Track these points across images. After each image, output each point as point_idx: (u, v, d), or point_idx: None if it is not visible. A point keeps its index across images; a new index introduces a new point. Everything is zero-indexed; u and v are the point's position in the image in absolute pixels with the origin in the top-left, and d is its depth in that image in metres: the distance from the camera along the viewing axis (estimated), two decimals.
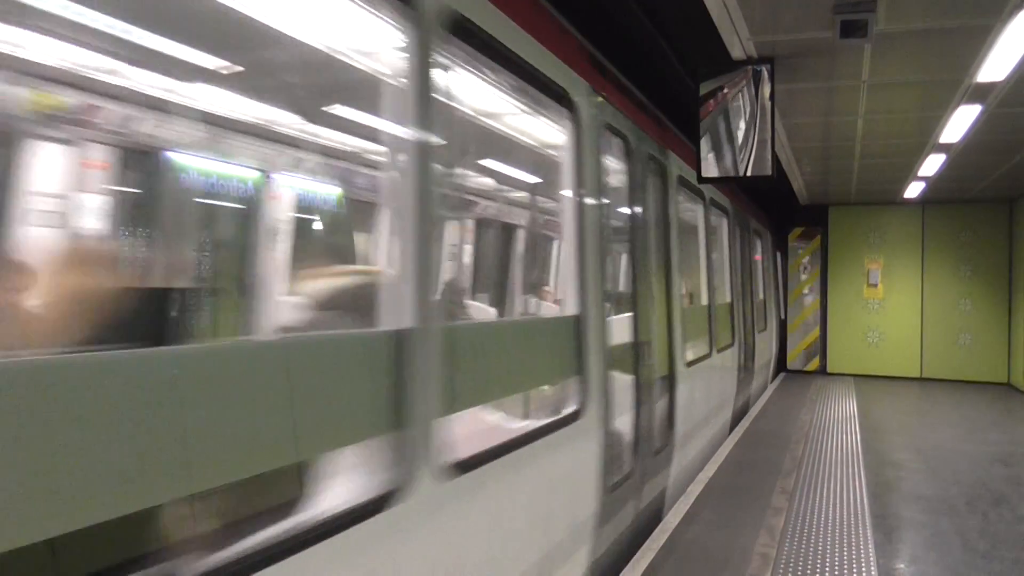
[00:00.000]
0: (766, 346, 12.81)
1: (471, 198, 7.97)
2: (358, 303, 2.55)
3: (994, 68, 5.86)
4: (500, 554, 3.00)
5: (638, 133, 5.26)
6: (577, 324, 3.90)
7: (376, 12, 2.56)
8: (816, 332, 14.78)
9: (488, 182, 7.96)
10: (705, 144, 6.10)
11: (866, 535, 5.15)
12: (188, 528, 2.13)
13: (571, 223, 4.01)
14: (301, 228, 5.79)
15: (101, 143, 4.08)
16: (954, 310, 13.75)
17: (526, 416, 3.99)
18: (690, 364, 6.44)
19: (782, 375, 14.49)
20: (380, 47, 2.96)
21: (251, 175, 5.45)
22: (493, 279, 8.95)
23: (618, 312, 4.81)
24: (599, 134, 4.38)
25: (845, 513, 5.65)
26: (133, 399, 1.52)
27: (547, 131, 4.75)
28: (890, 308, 14.20)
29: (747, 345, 10.32)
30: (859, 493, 6.20)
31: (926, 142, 8.72)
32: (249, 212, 5.42)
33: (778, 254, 15.34)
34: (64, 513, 1.38)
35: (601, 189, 4.33)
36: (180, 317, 3.32)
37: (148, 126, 4.24)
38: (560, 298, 4.79)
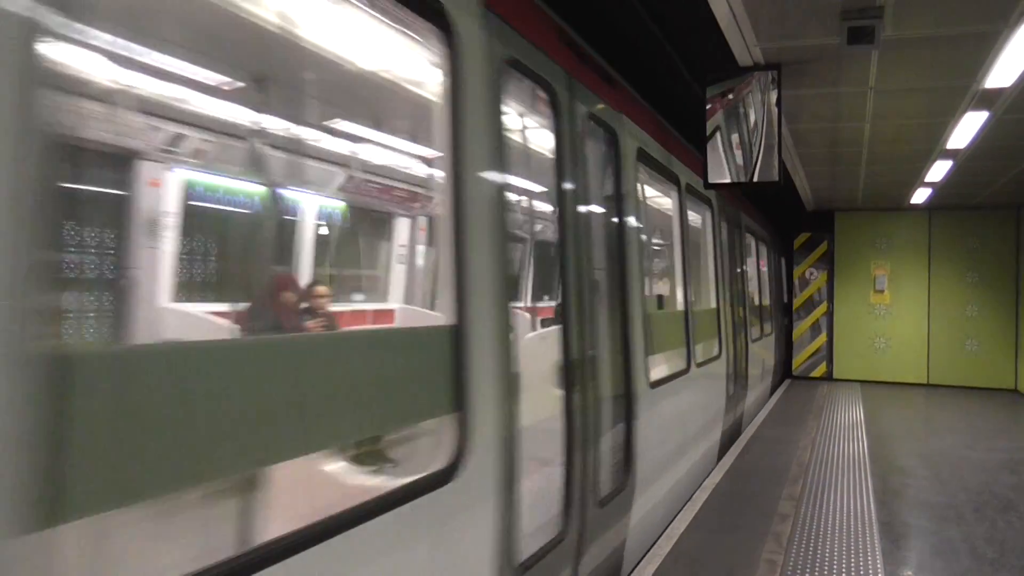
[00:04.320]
0: (766, 354, 11.85)
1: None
2: None
3: (1001, 74, 5.85)
4: None
5: (571, 83, 3.94)
6: (453, 339, 2.66)
7: None
8: (822, 338, 14.74)
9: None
10: (712, 149, 6.10)
11: (873, 542, 5.13)
12: None
13: (446, 198, 2.78)
14: None
15: None
16: (961, 316, 13.71)
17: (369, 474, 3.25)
18: (656, 384, 5.22)
19: (788, 381, 14.45)
20: None
21: None
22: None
23: (537, 322, 4.66)
24: (496, 71, 3.08)
25: (852, 520, 5.63)
26: None
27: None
28: (897, 314, 14.16)
29: (739, 355, 9.04)
30: (866, 500, 6.18)
31: (933, 148, 8.71)
32: None
33: (782, 259, 15.13)
34: None
35: (498, 150, 3.06)
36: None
37: None
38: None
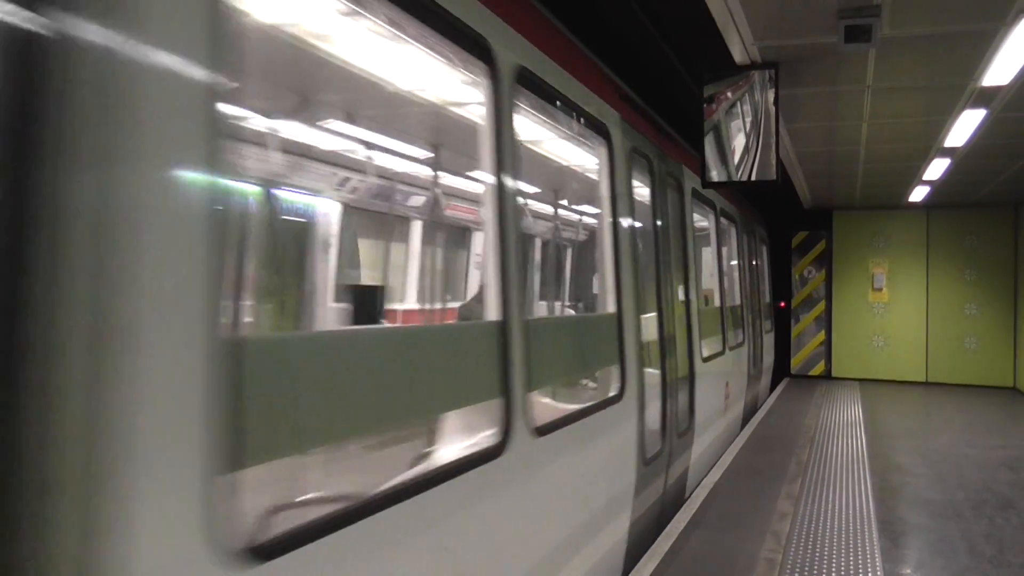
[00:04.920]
0: (735, 375, 8.87)
1: None
2: None
3: (999, 72, 5.86)
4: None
5: None
6: None
7: None
8: (821, 336, 14.75)
9: None
10: (709, 148, 6.11)
11: (872, 540, 5.14)
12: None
13: None
14: None
15: None
16: (959, 314, 13.72)
17: None
18: (377, 503, 2.22)
19: (786, 380, 14.45)
20: None
21: None
22: None
23: None
24: None
25: (851, 518, 5.63)
26: None
27: None
28: (895, 312, 14.17)
29: (672, 390, 5.77)
30: (865, 498, 6.18)
31: (931, 146, 8.72)
32: None
33: (763, 247, 13.28)
34: None
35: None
36: None
37: None
38: None
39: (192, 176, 1.62)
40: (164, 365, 1.50)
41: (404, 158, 6.12)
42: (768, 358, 12.59)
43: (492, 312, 3.12)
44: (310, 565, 1.88)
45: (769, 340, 12.78)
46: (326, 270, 6.40)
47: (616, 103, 4.87)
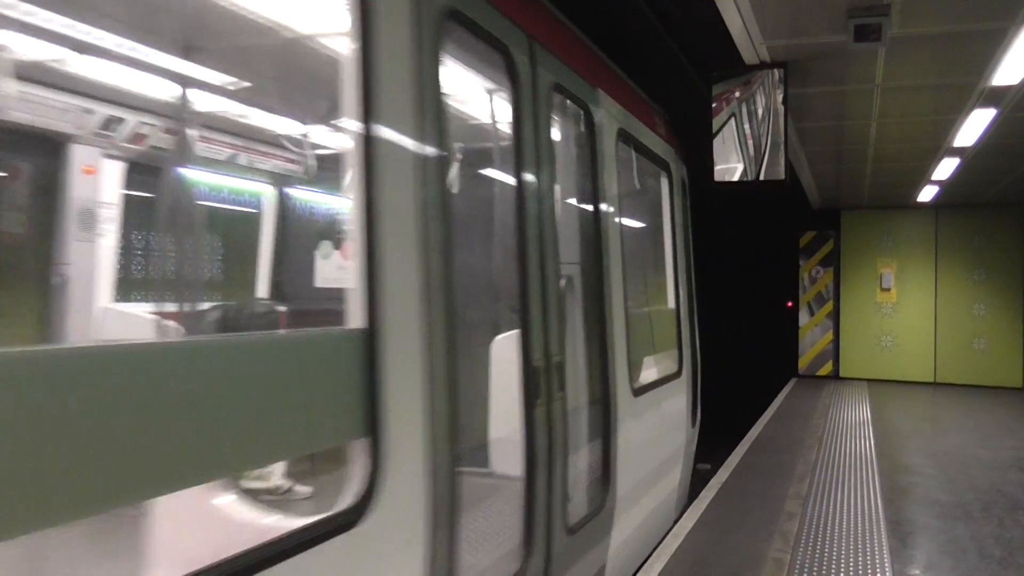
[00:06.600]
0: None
1: None
2: None
3: (1009, 72, 5.84)
4: None
5: None
6: None
7: None
8: (829, 336, 14.70)
9: None
10: (718, 147, 6.10)
11: (881, 541, 5.13)
12: None
13: None
14: None
15: None
16: (968, 314, 13.67)
17: None
18: None
19: (793, 380, 14.42)
20: None
21: None
22: None
23: None
24: None
25: (859, 518, 5.62)
26: None
27: None
28: (903, 312, 14.12)
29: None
30: (873, 498, 6.17)
31: (940, 146, 8.69)
32: None
33: (676, 199, 6.39)
34: None
35: None
36: None
37: None
38: None
39: None
40: None
41: None
42: (659, 451, 5.47)
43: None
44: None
45: (676, 406, 6.02)
46: None
47: None
